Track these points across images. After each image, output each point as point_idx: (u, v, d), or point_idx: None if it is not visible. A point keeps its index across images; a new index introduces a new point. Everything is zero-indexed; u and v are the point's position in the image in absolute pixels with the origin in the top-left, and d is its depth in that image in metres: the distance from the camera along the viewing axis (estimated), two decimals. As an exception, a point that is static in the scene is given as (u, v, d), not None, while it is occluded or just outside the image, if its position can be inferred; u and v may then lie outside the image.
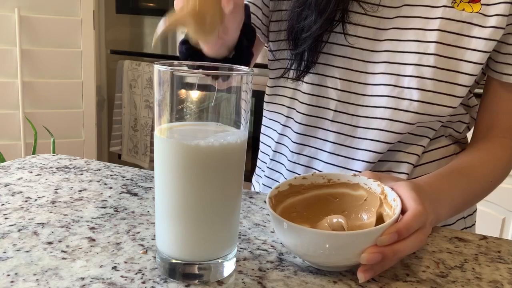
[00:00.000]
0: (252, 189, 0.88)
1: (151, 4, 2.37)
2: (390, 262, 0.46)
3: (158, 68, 0.41)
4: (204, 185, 0.41)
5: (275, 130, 0.79)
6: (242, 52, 0.63)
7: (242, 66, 0.45)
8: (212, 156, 0.41)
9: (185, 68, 0.46)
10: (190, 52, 0.62)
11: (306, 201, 0.53)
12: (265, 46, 0.82)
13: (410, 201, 0.48)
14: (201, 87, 0.41)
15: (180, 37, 0.63)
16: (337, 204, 0.53)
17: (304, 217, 0.52)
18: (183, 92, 0.41)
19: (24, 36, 2.02)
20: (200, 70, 0.44)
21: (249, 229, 0.56)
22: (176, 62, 0.44)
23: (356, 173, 0.55)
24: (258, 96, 2.20)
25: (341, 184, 0.54)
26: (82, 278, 0.43)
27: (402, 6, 0.65)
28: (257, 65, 2.10)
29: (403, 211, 0.47)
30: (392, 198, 0.49)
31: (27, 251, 0.47)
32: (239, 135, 0.42)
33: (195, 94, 0.41)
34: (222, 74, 0.42)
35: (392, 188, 0.51)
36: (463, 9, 0.62)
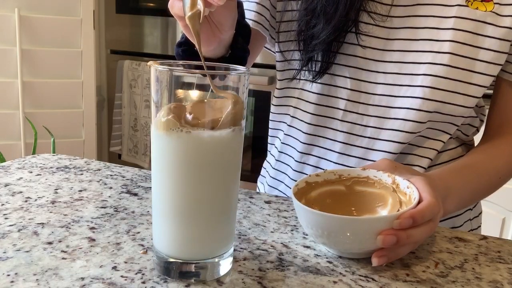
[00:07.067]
0: (257, 190, 0.88)
1: (151, 4, 2.37)
2: (403, 249, 0.48)
3: (155, 68, 0.41)
4: (199, 182, 0.41)
5: (281, 131, 0.79)
6: (238, 50, 0.63)
7: (239, 66, 0.45)
8: (207, 153, 0.41)
9: (182, 67, 0.46)
10: (187, 53, 0.62)
11: (323, 195, 0.56)
12: (269, 49, 0.81)
13: (425, 194, 0.50)
14: (199, 87, 0.41)
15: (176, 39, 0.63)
16: (354, 198, 0.57)
17: (327, 205, 0.56)
18: (180, 91, 0.41)
19: (24, 36, 2.02)
20: (197, 70, 0.44)
21: (249, 229, 0.56)
22: (172, 62, 0.44)
23: (366, 166, 0.57)
24: (258, 96, 2.21)
25: (352, 179, 0.57)
26: (82, 278, 0.43)
27: (415, 5, 0.65)
28: (257, 65, 2.10)
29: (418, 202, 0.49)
30: (405, 186, 0.52)
31: (27, 251, 0.47)
32: (235, 133, 0.42)
33: (192, 94, 0.41)
34: (220, 74, 0.43)
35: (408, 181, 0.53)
36: (477, 8, 0.62)
